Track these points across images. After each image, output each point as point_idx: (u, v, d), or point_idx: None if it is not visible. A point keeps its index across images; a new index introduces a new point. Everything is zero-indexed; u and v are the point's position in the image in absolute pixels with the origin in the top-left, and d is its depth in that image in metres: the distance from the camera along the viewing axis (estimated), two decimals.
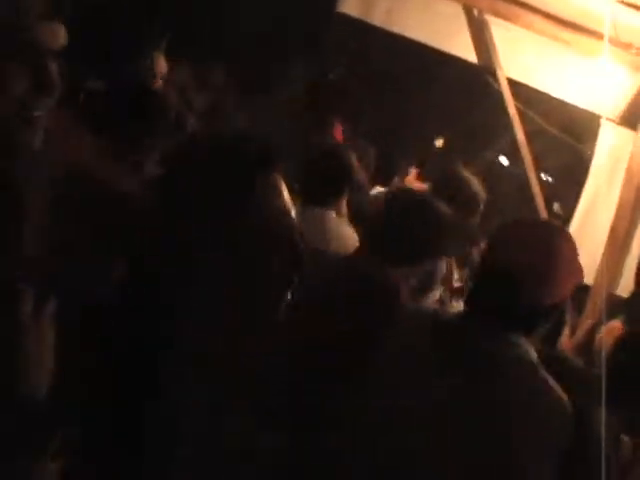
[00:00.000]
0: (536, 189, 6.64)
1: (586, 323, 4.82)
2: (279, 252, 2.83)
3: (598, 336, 3.89)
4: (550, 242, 2.25)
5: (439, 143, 8.74)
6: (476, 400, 2.18)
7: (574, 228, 6.34)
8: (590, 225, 6.29)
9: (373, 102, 9.26)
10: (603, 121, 6.40)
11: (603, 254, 6.05)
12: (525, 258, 2.20)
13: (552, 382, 2.19)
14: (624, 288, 5.71)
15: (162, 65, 4.47)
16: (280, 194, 2.90)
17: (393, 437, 2.25)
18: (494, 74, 6.67)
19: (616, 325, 3.90)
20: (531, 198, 6.71)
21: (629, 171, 6.18)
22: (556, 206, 7.34)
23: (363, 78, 9.00)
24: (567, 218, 6.77)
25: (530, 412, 2.14)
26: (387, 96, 8.97)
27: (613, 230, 6.12)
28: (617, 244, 6.10)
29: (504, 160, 8.62)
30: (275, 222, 2.86)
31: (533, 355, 2.24)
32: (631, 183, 6.16)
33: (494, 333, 2.23)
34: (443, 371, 2.25)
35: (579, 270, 2.28)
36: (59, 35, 2.41)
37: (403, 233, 2.99)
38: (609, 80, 6.20)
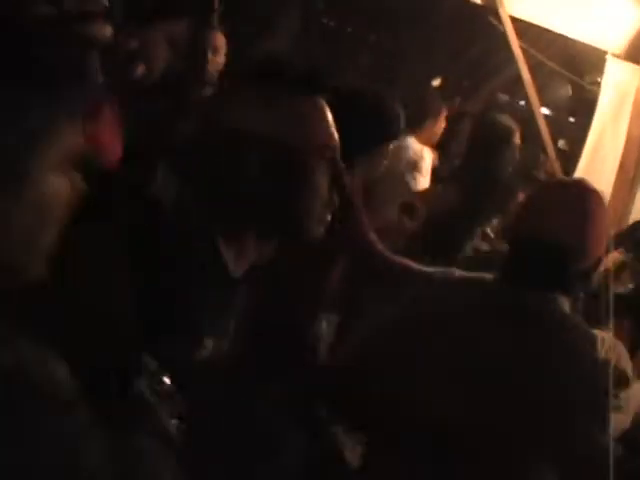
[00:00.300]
0: (543, 126, 6.67)
1: None
2: None
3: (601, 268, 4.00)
4: (584, 203, 2.31)
5: (436, 82, 8.73)
6: (526, 350, 2.26)
7: (583, 164, 6.41)
8: (599, 161, 6.34)
9: (367, 39, 9.20)
10: (608, 56, 6.42)
11: (613, 189, 6.12)
12: (562, 221, 2.27)
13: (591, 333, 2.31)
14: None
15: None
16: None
17: (454, 389, 2.30)
18: (496, 13, 6.63)
19: (615, 255, 3.98)
20: (535, 134, 6.74)
21: (636, 105, 6.23)
22: (561, 142, 7.37)
23: (352, 14, 8.91)
24: (573, 153, 6.83)
25: (580, 358, 2.24)
26: (383, 34, 8.91)
27: (622, 165, 6.19)
28: (626, 179, 6.18)
29: (504, 96, 8.62)
30: None
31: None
32: (638, 117, 6.22)
33: (536, 293, 2.30)
34: (493, 327, 2.32)
35: (609, 227, 2.36)
36: None
37: None
38: (614, 15, 6.21)
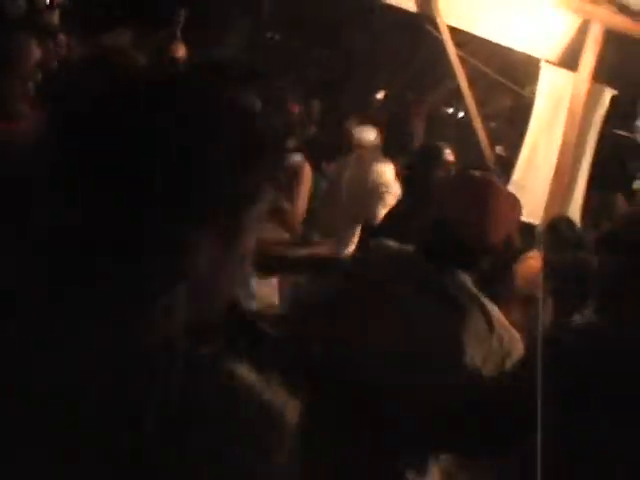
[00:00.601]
0: (481, 134, 6.78)
1: None
2: None
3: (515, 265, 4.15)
4: (482, 192, 2.54)
5: (380, 95, 8.84)
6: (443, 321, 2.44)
7: (520, 169, 6.51)
8: (534, 166, 6.45)
9: (309, 54, 9.28)
10: (542, 63, 6.54)
11: (549, 193, 6.22)
12: (462, 205, 2.53)
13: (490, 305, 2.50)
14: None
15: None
16: None
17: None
18: (434, 22, 6.74)
19: (532, 255, 4.16)
20: (476, 143, 6.85)
21: (571, 111, 6.34)
22: (499, 148, 7.50)
23: (293, 28, 8.98)
24: (510, 160, 6.92)
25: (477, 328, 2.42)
26: (325, 49, 8.99)
27: (557, 170, 6.29)
28: (562, 183, 6.28)
29: (448, 107, 8.74)
30: None
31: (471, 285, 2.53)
32: (573, 123, 6.33)
33: (443, 268, 2.52)
34: (416, 296, 2.48)
35: (508, 217, 2.56)
36: None
37: None
38: (548, 23, 6.33)
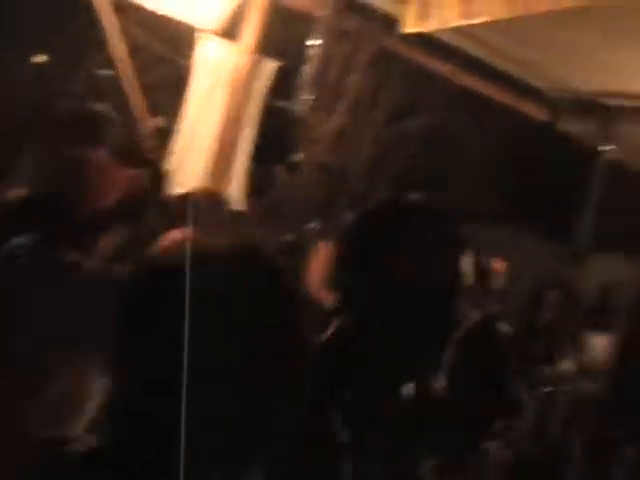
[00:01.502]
0: (136, 102, 6.56)
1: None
2: None
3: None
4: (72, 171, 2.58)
5: (40, 59, 8.38)
6: None
7: (181, 140, 6.38)
8: (195, 137, 6.34)
9: None
10: (199, 34, 6.44)
11: (211, 167, 6.13)
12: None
13: None
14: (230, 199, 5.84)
15: None
16: None
17: None
18: None
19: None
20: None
21: (232, 84, 6.28)
22: (160, 120, 7.31)
23: None
24: (169, 129, 6.76)
25: None
26: None
27: (219, 141, 6.21)
28: (223, 154, 6.21)
29: (107, 71, 8.43)
30: None
31: None
32: (235, 95, 6.27)
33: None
34: None
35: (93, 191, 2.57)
36: None
37: None
38: None
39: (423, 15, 4.75)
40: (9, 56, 7.54)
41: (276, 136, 7.72)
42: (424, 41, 5.86)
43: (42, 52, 8.43)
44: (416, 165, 8.23)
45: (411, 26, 4.86)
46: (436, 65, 7.30)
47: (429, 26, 4.74)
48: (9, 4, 7.69)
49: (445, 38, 6.84)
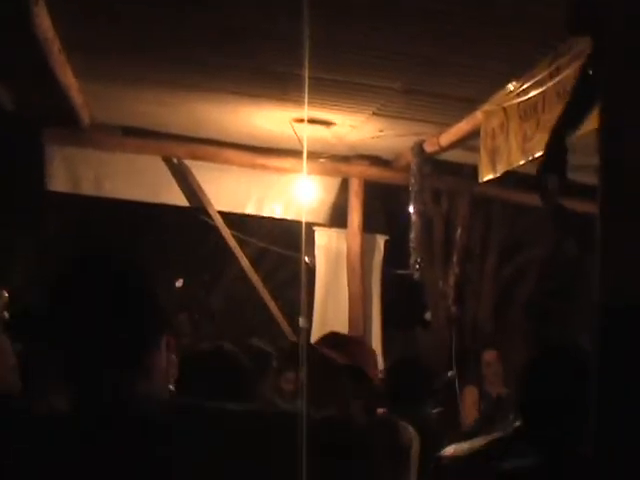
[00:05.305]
0: (275, 311, 7.12)
1: None
2: None
3: None
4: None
5: (179, 283, 9.19)
6: None
7: (315, 332, 6.73)
8: (327, 324, 6.69)
9: None
10: (315, 228, 7.02)
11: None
12: None
13: None
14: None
15: None
16: None
17: None
18: (207, 212, 7.06)
19: None
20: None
21: (349, 264, 6.83)
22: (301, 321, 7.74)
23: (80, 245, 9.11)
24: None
25: None
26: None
27: (351, 319, 6.70)
28: (358, 330, 6.65)
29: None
30: None
31: None
32: (354, 274, 6.81)
33: None
34: None
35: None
36: None
37: None
38: (311, 189, 6.79)
39: (493, 161, 5.14)
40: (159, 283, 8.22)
41: (404, 300, 8.14)
42: (517, 179, 6.14)
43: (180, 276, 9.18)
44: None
45: (487, 174, 5.25)
46: (531, 199, 7.51)
47: (499, 170, 5.11)
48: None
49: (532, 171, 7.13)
